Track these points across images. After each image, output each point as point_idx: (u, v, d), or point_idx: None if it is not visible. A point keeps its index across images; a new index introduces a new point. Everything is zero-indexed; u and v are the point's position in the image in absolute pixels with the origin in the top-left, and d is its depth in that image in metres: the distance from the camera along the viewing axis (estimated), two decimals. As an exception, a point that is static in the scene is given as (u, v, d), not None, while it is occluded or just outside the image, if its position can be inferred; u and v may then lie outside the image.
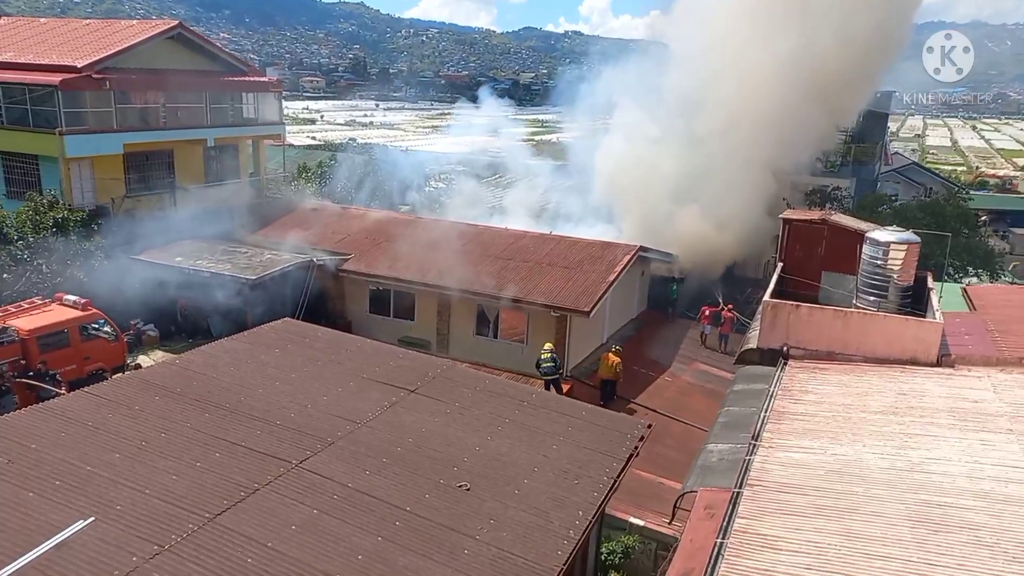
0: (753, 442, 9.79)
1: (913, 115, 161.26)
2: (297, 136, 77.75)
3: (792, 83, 27.80)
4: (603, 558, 13.53)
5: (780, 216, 18.35)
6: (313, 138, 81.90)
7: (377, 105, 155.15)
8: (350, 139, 70.12)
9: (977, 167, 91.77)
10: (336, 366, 12.42)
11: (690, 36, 31.95)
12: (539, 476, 9.79)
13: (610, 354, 20.25)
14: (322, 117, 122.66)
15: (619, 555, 13.85)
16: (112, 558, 7.15)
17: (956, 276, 28.71)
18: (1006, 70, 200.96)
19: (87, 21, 32.15)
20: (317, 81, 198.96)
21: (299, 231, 25.35)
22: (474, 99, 49.14)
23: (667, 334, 25.70)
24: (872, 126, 38.03)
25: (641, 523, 14.51)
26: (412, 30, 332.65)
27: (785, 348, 13.17)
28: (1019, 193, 66.01)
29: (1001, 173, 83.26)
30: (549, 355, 19.29)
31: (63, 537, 7.34)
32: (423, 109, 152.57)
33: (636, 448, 11.19)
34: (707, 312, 25.33)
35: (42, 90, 25.03)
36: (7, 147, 26.12)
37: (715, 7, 31.05)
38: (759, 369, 13.13)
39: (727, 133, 28.81)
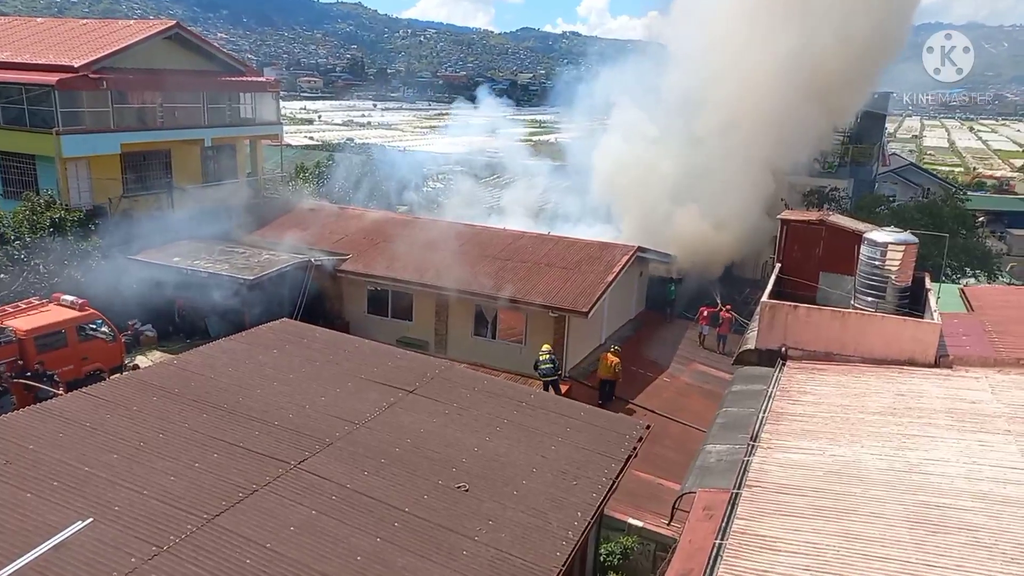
0: (751, 443, 9.79)
1: (911, 116, 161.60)
2: (295, 136, 77.70)
3: (791, 82, 27.84)
4: (602, 559, 13.53)
5: (778, 217, 18.37)
6: (311, 138, 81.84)
7: (375, 105, 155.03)
8: (348, 139, 70.07)
9: (974, 168, 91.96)
10: (334, 367, 12.40)
11: (689, 36, 31.97)
12: (538, 477, 9.78)
13: (609, 354, 20.25)
14: (320, 117, 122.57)
15: (618, 556, 13.85)
16: (110, 559, 7.14)
17: (954, 277, 28.75)
18: (1003, 71, 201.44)
19: (84, 21, 32.10)
20: (315, 81, 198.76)
21: (297, 231, 25.33)
22: (472, 99, 49.14)
23: (665, 335, 25.71)
24: (870, 127, 38.10)
25: (640, 524, 14.51)
26: (410, 30, 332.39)
27: (783, 349, 13.18)
28: (1016, 194, 66.16)
29: (998, 174, 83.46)
30: (548, 356, 19.28)
31: (61, 538, 7.32)
32: (421, 109, 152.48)
33: (635, 449, 11.20)
34: (705, 313, 25.34)
35: (39, 90, 24.96)
36: (4, 147, 26.05)
37: (714, 7, 31.09)
38: (757, 370, 13.14)
39: (726, 133, 28.84)
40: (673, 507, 10.05)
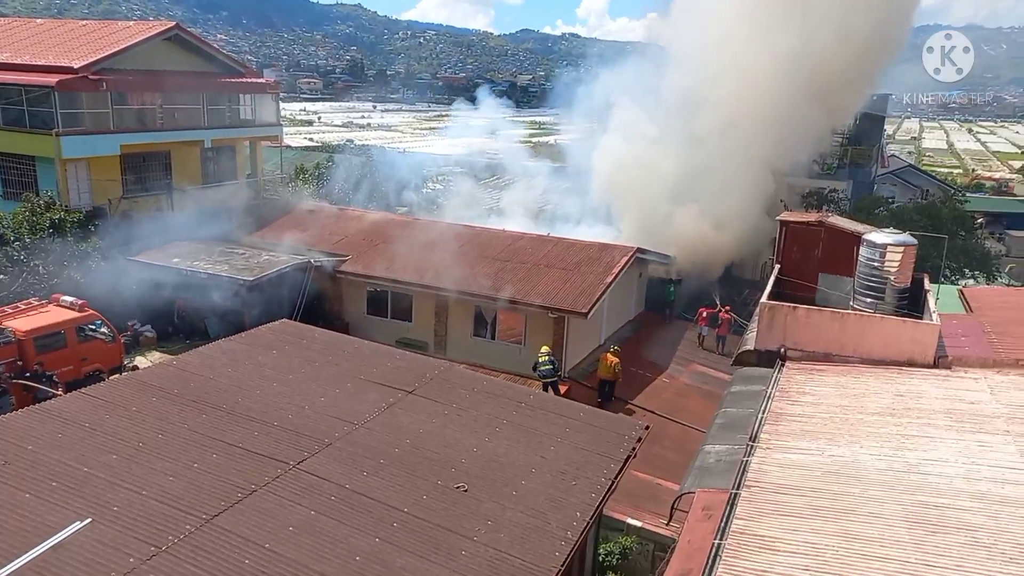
0: (750, 443, 9.80)
1: (909, 118, 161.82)
2: (294, 137, 77.74)
3: (791, 82, 27.88)
4: (601, 559, 13.53)
5: (777, 218, 18.39)
6: (310, 139, 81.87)
7: (374, 107, 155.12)
8: (347, 140, 70.03)
9: (973, 170, 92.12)
10: (333, 367, 12.41)
11: (689, 36, 32.02)
12: (537, 477, 9.79)
13: (608, 354, 20.26)
14: (319, 119, 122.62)
15: (617, 556, 13.85)
16: (109, 560, 7.13)
17: (953, 278, 28.80)
18: (1001, 73, 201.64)
19: (84, 22, 32.08)
20: (314, 83, 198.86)
21: (296, 232, 25.33)
22: (472, 101, 49.15)
23: (665, 335, 25.72)
24: (869, 129, 38.17)
25: (639, 524, 14.51)
26: (409, 32, 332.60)
27: (782, 350, 13.18)
28: (1015, 195, 66.26)
29: (997, 175, 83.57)
30: (547, 358, 19.26)
31: (60, 538, 7.33)
32: (420, 111, 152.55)
33: (634, 449, 11.20)
34: (704, 314, 25.35)
35: (39, 91, 24.97)
36: (3, 148, 26.04)
37: (714, 7, 31.13)
38: (756, 371, 13.15)
39: (726, 133, 28.86)
40: (672, 507, 10.04)
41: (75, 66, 25.32)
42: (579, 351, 21.81)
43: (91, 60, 25.74)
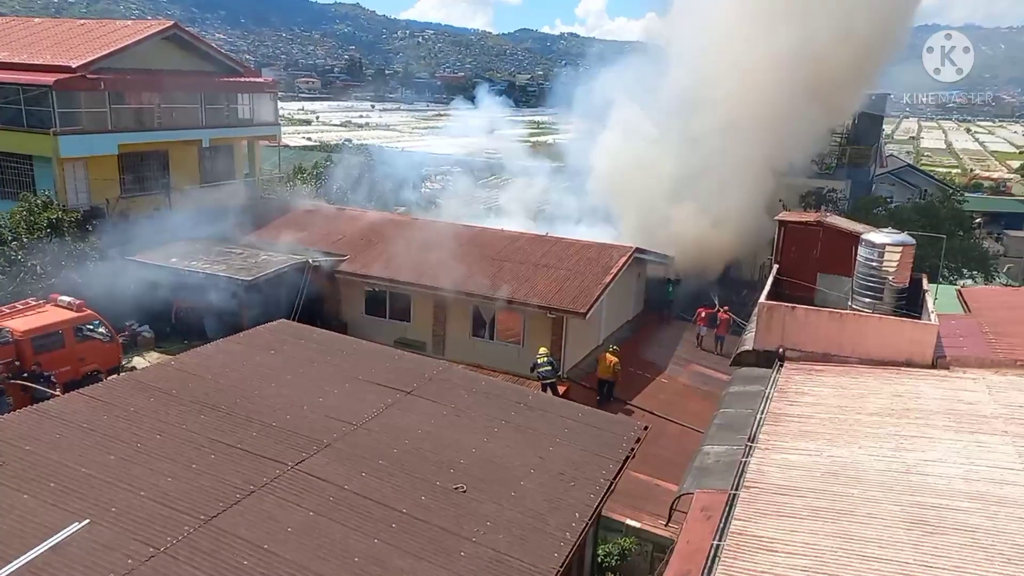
0: (749, 444, 9.80)
1: (908, 118, 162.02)
2: (293, 137, 77.70)
3: (791, 81, 27.88)
4: (600, 560, 13.53)
5: (776, 218, 18.40)
6: (309, 139, 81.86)
7: (373, 106, 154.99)
8: (346, 140, 70.02)
9: (971, 170, 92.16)
10: (332, 368, 12.40)
11: (688, 35, 32.01)
12: (536, 478, 9.79)
13: (608, 354, 20.27)
14: (318, 118, 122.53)
15: (616, 557, 13.84)
16: (107, 560, 7.13)
17: (951, 278, 28.84)
18: (1000, 73, 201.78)
19: (82, 21, 32.04)
20: (313, 82, 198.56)
21: (295, 232, 25.29)
22: (470, 100, 49.12)
23: (663, 336, 25.73)
24: (867, 129, 38.22)
25: (637, 525, 14.51)
26: (408, 31, 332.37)
27: (781, 350, 13.19)
28: (1013, 195, 66.34)
29: (995, 175, 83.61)
30: (546, 359, 19.23)
31: (58, 539, 7.32)
32: (419, 110, 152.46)
33: (632, 450, 11.21)
34: (703, 314, 25.35)
35: (36, 90, 24.91)
36: (1, 147, 25.99)
37: (713, 6, 31.13)
38: (755, 371, 13.14)
39: (725, 132, 28.86)
40: (671, 508, 10.04)
41: (73, 65, 25.28)
42: (578, 351, 21.80)
43: (89, 59, 25.70)
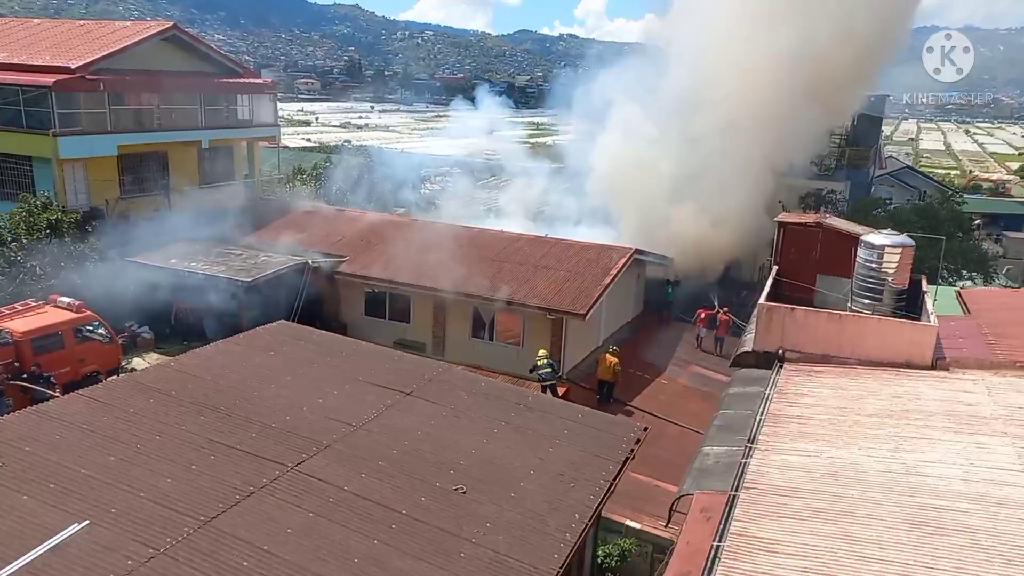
0: (749, 445, 9.80)
1: (907, 119, 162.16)
2: (292, 138, 77.68)
3: (791, 82, 27.90)
4: (599, 561, 13.52)
5: (775, 219, 18.41)
6: (308, 140, 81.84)
7: (372, 107, 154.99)
8: (345, 141, 70.03)
9: (970, 171, 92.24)
10: (332, 369, 12.40)
11: (687, 36, 32.03)
12: (535, 479, 9.78)
13: (607, 355, 20.26)
14: (317, 119, 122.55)
15: (615, 558, 13.84)
16: (107, 562, 7.12)
17: (950, 279, 28.86)
18: (999, 74, 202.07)
19: (81, 22, 32.03)
20: (312, 83, 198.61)
21: (294, 233, 25.28)
22: (470, 100, 49.15)
23: (663, 337, 25.73)
24: (866, 130, 38.26)
25: (637, 526, 14.50)
26: (407, 32, 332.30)
27: (780, 351, 13.19)
28: (1012, 197, 66.37)
29: (994, 177, 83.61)
30: (545, 361, 19.22)
31: (57, 540, 7.31)
32: (418, 111, 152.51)
33: (632, 451, 11.21)
34: (703, 315, 25.35)
35: (36, 91, 24.92)
36: (0, 148, 26.00)
37: (712, 7, 31.14)
38: (755, 372, 13.15)
39: (725, 133, 28.87)
40: (671, 509, 10.04)
41: (72, 66, 25.28)
42: (577, 352, 21.80)
43: (88, 60, 25.70)
